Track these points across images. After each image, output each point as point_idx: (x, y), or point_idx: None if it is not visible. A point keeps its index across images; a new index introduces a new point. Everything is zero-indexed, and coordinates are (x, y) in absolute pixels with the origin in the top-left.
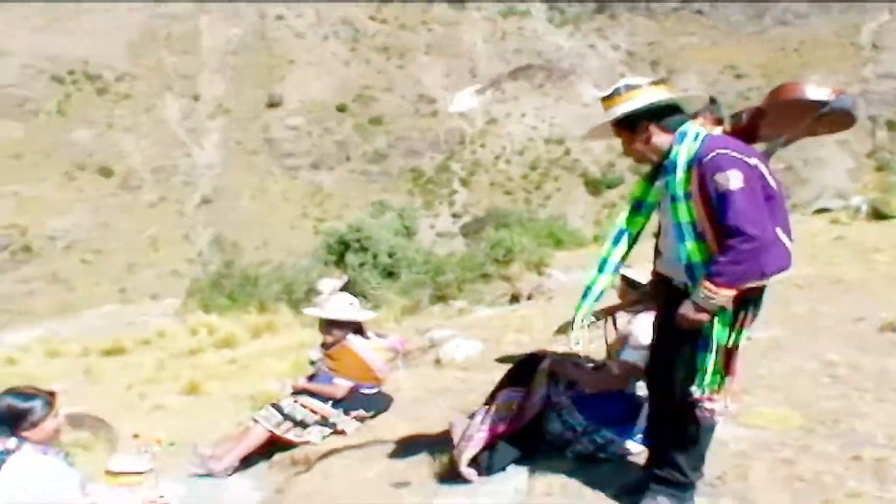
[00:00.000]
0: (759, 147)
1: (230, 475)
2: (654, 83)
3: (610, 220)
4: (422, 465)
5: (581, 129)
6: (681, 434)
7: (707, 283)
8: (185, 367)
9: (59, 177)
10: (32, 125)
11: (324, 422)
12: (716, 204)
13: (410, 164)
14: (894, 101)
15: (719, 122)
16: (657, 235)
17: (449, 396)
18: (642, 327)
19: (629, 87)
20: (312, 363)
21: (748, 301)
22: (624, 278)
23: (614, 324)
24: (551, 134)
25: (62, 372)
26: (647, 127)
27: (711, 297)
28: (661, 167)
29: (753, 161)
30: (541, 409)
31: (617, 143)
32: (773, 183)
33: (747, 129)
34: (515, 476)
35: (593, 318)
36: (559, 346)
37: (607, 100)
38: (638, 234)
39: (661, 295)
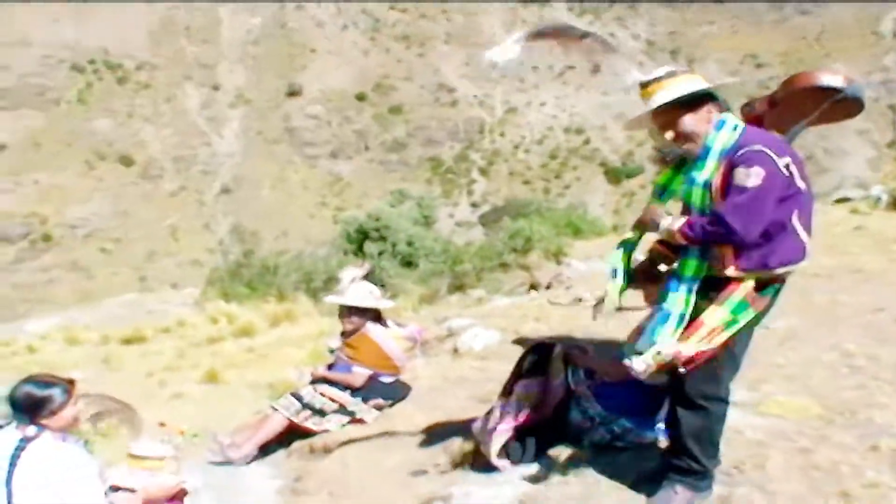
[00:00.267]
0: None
1: (249, 463)
2: (690, 72)
3: (630, 210)
4: (439, 454)
5: (601, 118)
6: (691, 422)
7: (681, 220)
8: (204, 355)
9: (79, 166)
10: (53, 114)
11: (342, 410)
12: (729, 190)
13: (429, 154)
14: None
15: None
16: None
17: (467, 386)
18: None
19: (683, 70)
20: (331, 351)
21: (765, 286)
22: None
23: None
24: (571, 123)
25: (82, 360)
26: (709, 107)
27: (668, 227)
28: (693, 155)
29: (784, 161)
30: (563, 396)
31: (638, 133)
32: (800, 182)
33: (760, 118)
34: (532, 464)
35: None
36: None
37: (659, 81)
38: None
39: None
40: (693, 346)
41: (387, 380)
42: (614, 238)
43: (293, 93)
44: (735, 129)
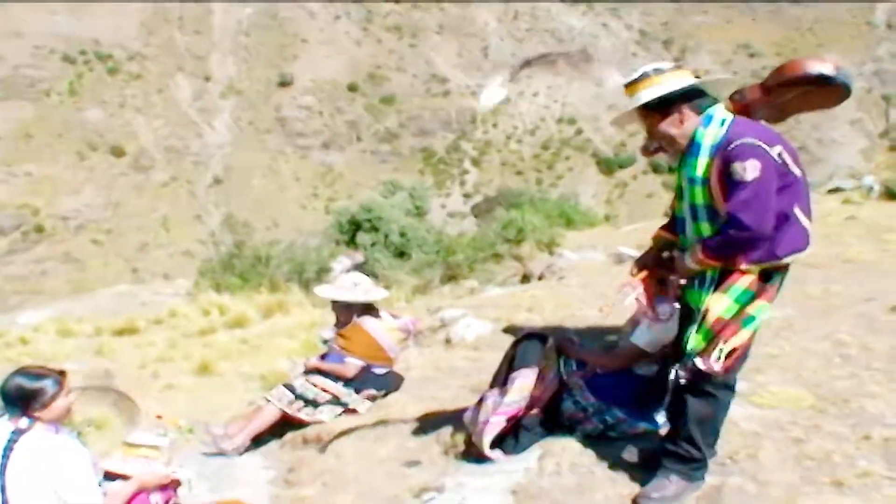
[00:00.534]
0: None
1: (242, 454)
2: (678, 67)
3: (622, 200)
4: (433, 445)
5: (593, 109)
6: (698, 409)
7: (697, 248)
8: (196, 346)
9: (71, 157)
10: (44, 105)
11: (335, 401)
12: (728, 191)
13: (422, 144)
14: None
15: (715, 101)
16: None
17: (459, 376)
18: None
19: (658, 71)
20: (324, 342)
21: (772, 276)
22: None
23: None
24: (563, 114)
25: (75, 351)
26: (681, 109)
27: (693, 265)
28: (685, 151)
29: (776, 150)
30: (557, 388)
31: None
32: (795, 169)
33: (749, 107)
34: (526, 455)
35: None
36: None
37: (635, 84)
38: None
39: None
40: (722, 352)
41: (379, 371)
42: (606, 229)
43: (285, 83)
44: (722, 123)
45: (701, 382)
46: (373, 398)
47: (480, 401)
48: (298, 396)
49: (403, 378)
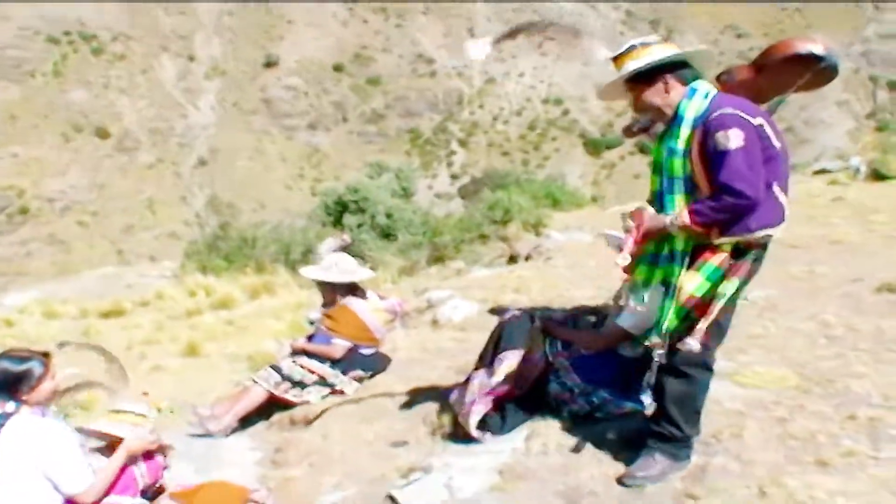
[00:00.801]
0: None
1: (228, 435)
2: (664, 40)
3: (609, 181)
4: (419, 425)
5: (580, 89)
6: (675, 389)
7: (684, 212)
8: (183, 328)
9: (56, 138)
10: (29, 86)
11: (322, 382)
12: (713, 162)
13: (408, 125)
14: (895, 61)
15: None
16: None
17: (446, 357)
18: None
19: (644, 44)
20: (311, 323)
21: (744, 253)
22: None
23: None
24: (549, 94)
25: (61, 333)
26: (665, 79)
27: (676, 223)
28: (668, 123)
29: (758, 121)
30: (543, 368)
31: (617, 104)
32: (776, 143)
33: (737, 87)
34: (512, 435)
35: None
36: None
37: (622, 56)
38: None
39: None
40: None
41: (366, 351)
42: (593, 210)
43: (270, 64)
44: (706, 96)
45: (678, 362)
46: (360, 379)
47: (467, 381)
48: (285, 377)
49: (390, 359)
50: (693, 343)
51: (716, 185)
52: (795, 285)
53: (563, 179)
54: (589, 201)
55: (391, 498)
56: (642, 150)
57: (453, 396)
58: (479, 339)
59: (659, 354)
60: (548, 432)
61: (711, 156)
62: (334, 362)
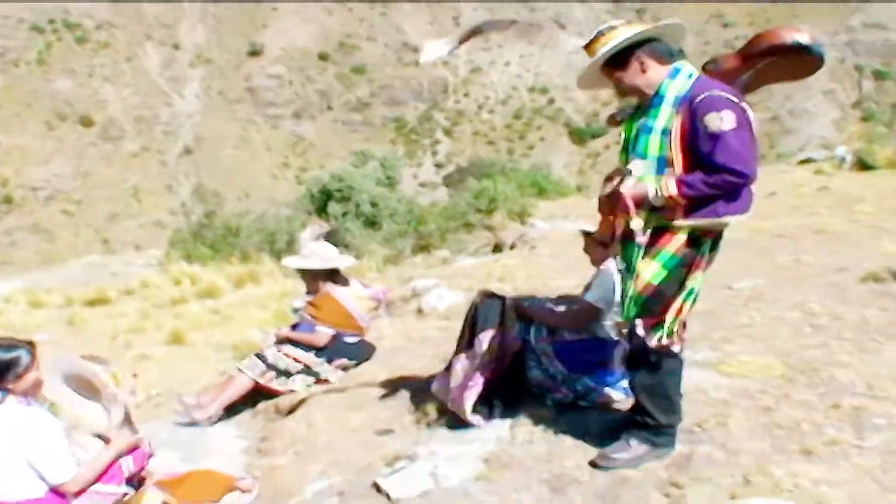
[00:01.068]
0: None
1: (214, 423)
2: (630, 22)
3: (594, 170)
4: (405, 413)
5: (565, 78)
6: (643, 377)
7: (671, 182)
8: (168, 317)
9: (40, 126)
10: (13, 75)
11: (307, 371)
12: (705, 144)
13: (393, 114)
14: (881, 50)
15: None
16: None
17: (431, 345)
18: (607, 271)
19: (610, 28)
20: (295, 311)
21: (699, 243)
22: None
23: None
24: (535, 83)
25: (46, 322)
26: (639, 58)
27: (662, 194)
28: (646, 103)
29: (744, 104)
30: (519, 348)
31: (603, 93)
32: (755, 129)
33: (723, 76)
34: (497, 423)
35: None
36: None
37: (592, 43)
38: None
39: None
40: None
41: (351, 339)
42: (578, 199)
43: (255, 52)
44: (690, 76)
45: (643, 352)
46: (345, 368)
47: (448, 368)
48: (270, 366)
49: (375, 348)
50: (654, 340)
51: (713, 167)
52: (781, 275)
53: (549, 168)
54: (574, 190)
55: (376, 486)
56: None
57: (436, 385)
58: None
59: (624, 335)
60: (533, 421)
61: (702, 138)
62: (319, 351)
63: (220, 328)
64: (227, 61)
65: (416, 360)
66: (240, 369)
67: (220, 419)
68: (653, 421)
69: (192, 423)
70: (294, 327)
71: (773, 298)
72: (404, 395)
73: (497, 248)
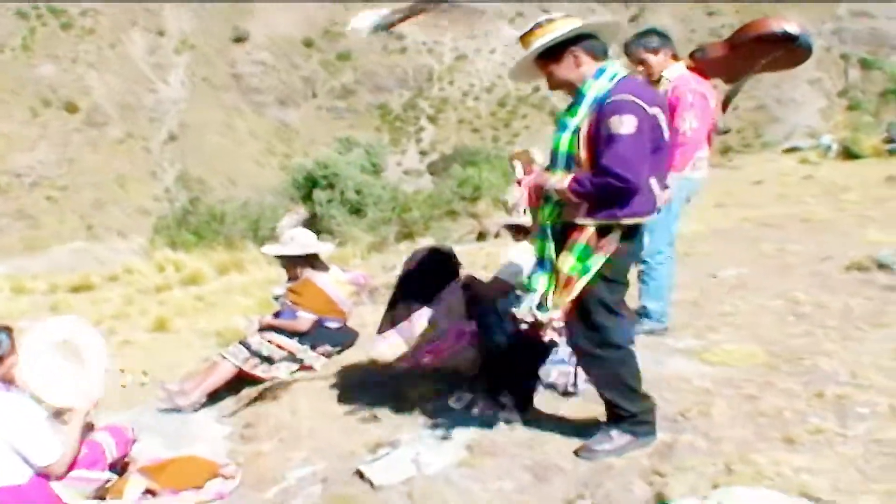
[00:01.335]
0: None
1: (197, 410)
2: (568, 16)
3: None
4: (388, 400)
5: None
6: (594, 372)
7: (566, 178)
8: (152, 303)
9: (24, 113)
10: None
11: (291, 357)
12: (601, 144)
13: (378, 101)
14: (868, 39)
15: (675, 58)
16: None
17: None
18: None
19: (548, 20)
20: (276, 298)
21: (609, 230)
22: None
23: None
24: None
25: (30, 308)
26: (573, 52)
27: (556, 187)
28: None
29: (653, 110)
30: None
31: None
32: (665, 136)
33: (711, 63)
34: (478, 411)
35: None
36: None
37: (527, 35)
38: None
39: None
40: (559, 307)
41: (333, 325)
42: None
43: (240, 39)
44: (612, 78)
45: (582, 345)
46: (328, 355)
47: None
48: (254, 353)
49: (359, 334)
50: (555, 315)
51: (599, 167)
52: (766, 263)
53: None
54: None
55: (359, 473)
56: None
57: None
58: None
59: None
60: (514, 408)
61: (602, 138)
62: (302, 337)
63: (204, 315)
64: (211, 48)
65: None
66: (223, 356)
67: (203, 406)
68: (625, 412)
69: (176, 410)
70: (277, 315)
71: (758, 287)
72: (387, 382)
73: (481, 236)
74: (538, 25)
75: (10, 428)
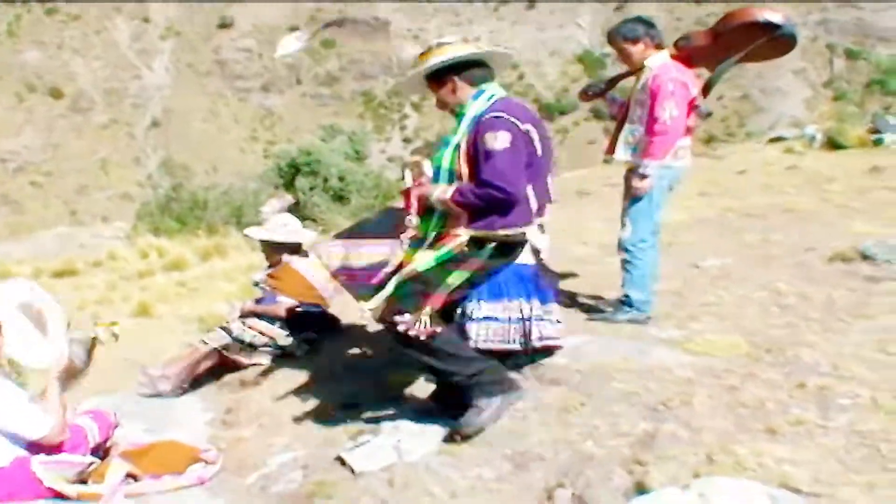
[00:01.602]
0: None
1: (179, 395)
2: (465, 40)
3: (563, 147)
4: (369, 387)
5: (535, 54)
6: (424, 358)
7: (450, 189)
8: (135, 289)
9: (9, 98)
10: None
11: (272, 344)
12: (480, 159)
13: (362, 88)
14: (853, 29)
15: (659, 46)
16: None
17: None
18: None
19: (440, 44)
20: (256, 284)
21: (483, 246)
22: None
23: None
24: None
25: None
26: (452, 80)
27: (440, 197)
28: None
29: (526, 127)
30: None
31: (572, 68)
32: (539, 149)
33: (695, 52)
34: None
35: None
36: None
37: (422, 56)
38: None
39: None
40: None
41: (314, 311)
42: None
43: (224, 25)
44: (489, 98)
45: (405, 339)
46: (310, 341)
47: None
48: (235, 339)
49: (340, 321)
50: (420, 330)
51: (480, 180)
52: (749, 253)
53: None
54: None
55: (340, 459)
56: (597, 115)
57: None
58: None
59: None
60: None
61: (479, 154)
62: (284, 323)
63: (187, 301)
64: (196, 34)
65: (381, 335)
66: (205, 341)
67: (184, 391)
68: (464, 378)
69: (157, 395)
70: (258, 301)
71: (741, 277)
72: (369, 369)
73: None
74: (431, 48)
75: None
